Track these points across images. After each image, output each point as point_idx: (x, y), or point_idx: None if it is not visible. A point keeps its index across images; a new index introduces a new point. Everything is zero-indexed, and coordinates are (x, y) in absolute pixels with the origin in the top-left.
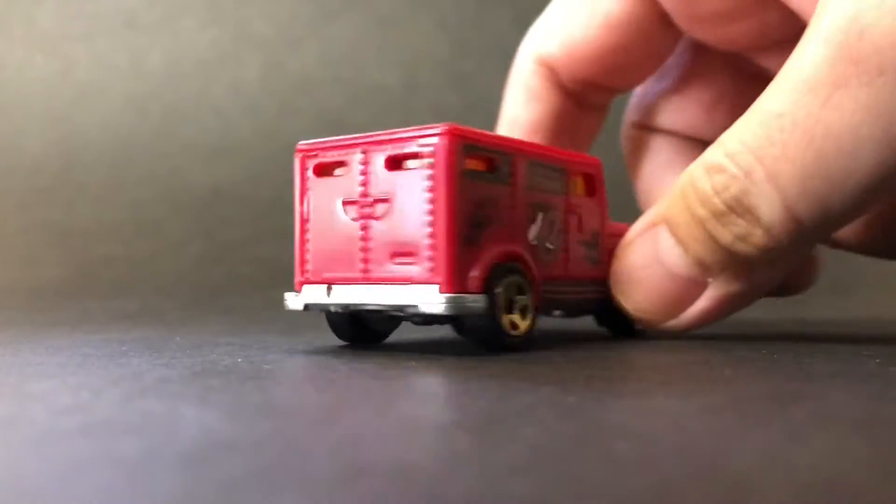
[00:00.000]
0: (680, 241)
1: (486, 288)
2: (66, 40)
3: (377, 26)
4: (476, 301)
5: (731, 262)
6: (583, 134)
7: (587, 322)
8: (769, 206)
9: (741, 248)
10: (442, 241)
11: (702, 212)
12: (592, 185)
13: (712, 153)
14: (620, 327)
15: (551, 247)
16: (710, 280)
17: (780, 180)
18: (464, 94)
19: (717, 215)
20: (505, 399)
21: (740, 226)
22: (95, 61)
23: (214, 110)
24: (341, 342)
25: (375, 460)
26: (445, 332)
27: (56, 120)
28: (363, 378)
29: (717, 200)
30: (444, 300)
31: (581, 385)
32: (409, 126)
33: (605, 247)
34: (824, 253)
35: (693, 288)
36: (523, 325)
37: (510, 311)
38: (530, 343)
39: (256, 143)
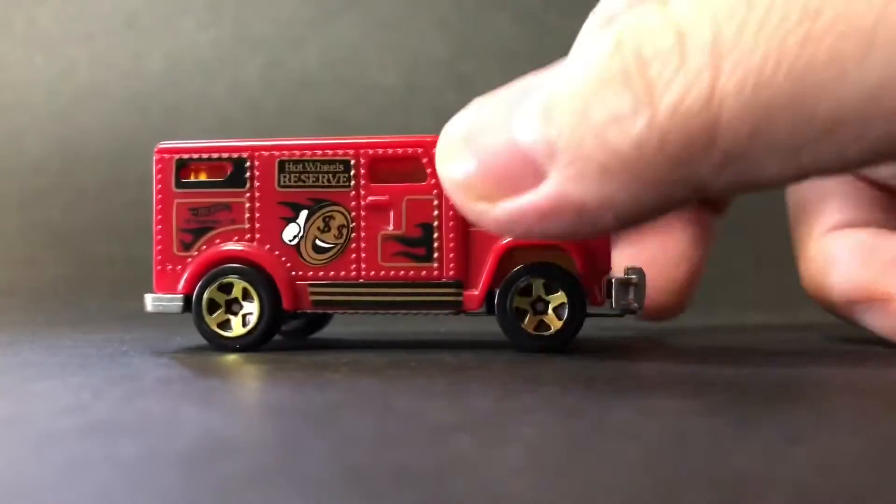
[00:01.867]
0: (544, 108)
1: (199, 290)
2: (67, 40)
3: (377, 27)
4: (172, 301)
5: (587, 152)
6: None
7: (587, 323)
8: (685, 80)
9: (611, 134)
10: (155, 250)
11: (587, 73)
12: (419, 169)
13: (645, 13)
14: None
15: (326, 245)
16: (547, 170)
17: (726, 54)
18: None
19: (606, 79)
20: (505, 399)
21: (624, 99)
22: (96, 61)
23: (214, 110)
24: (342, 341)
25: (375, 460)
26: (446, 332)
27: (56, 120)
28: (363, 378)
29: (615, 59)
30: (150, 300)
31: (581, 385)
32: (408, 129)
33: (449, 240)
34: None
35: (527, 172)
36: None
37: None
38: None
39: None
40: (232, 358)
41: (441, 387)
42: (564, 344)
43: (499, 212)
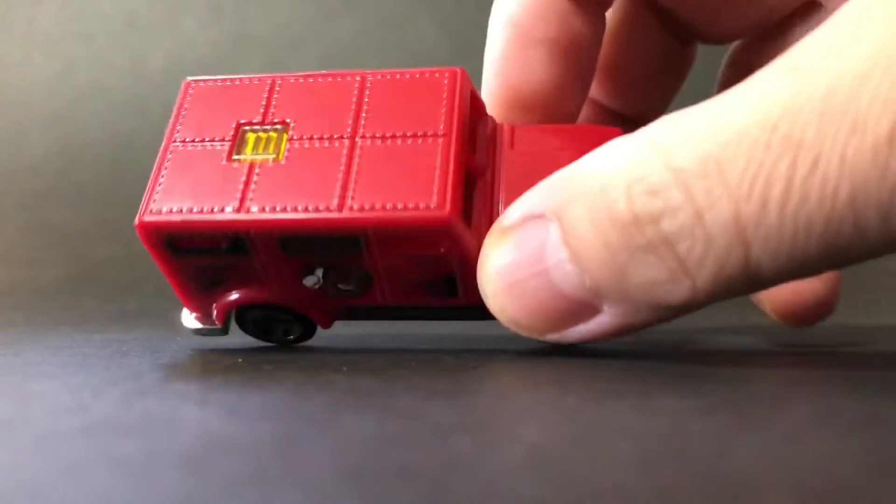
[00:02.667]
0: (576, 257)
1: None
2: (67, 40)
3: (377, 27)
4: (213, 330)
5: (638, 301)
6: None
7: None
8: (715, 263)
9: (656, 294)
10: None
11: (614, 236)
12: (432, 244)
13: (645, 156)
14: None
15: (348, 288)
16: (600, 307)
17: (752, 230)
18: None
19: (633, 249)
20: (505, 399)
21: (661, 272)
22: (96, 61)
23: None
24: (342, 342)
25: (376, 460)
26: (446, 332)
27: (56, 120)
28: (364, 378)
29: (635, 231)
30: (191, 325)
31: (581, 385)
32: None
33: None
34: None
35: (584, 310)
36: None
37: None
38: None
39: None
40: (232, 358)
41: (441, 386)
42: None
43: (569, 337)
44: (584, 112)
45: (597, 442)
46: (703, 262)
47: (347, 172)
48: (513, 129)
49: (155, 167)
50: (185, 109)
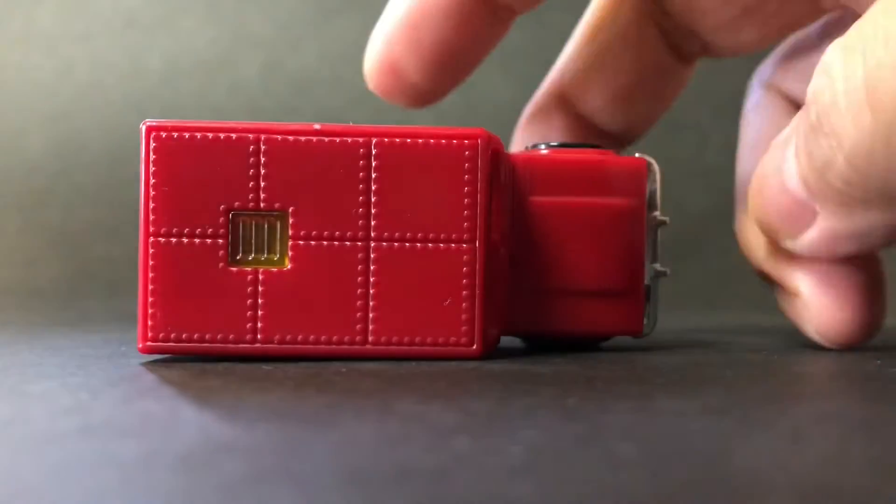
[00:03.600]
0: (797, 152)
1: None
2: (66, 40)
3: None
4: None
5: (827, 193)
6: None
7: None
8: (857, 128)
9: (830, 178)
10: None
11: (804, 122)
12: None
13: (841, 41)
14: None
15: None
16: (817, 209)
17: (876, 93)
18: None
19: (808, 132)
20: (505, 400)
21: (823, 148)
22: (95, 61)
23: (214, 110)
24: None
25: (375, 462)
26: None
27: (55, 120)
28: (363, 379)
29: (812, 109)
30: None
31: (582, 386)
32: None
33: None
34: None
35: (805, 211)
36: None
37: None
38: (529, 345)
39: None
40: (231, 359)
41: (441, 388)
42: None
43: (800, 246)
44: (562, 123)
45: (597, 443)
46: (846, 130)
47: (364, 293)
48: (531, 164)
49: (140, 267)
50: (155, 178)
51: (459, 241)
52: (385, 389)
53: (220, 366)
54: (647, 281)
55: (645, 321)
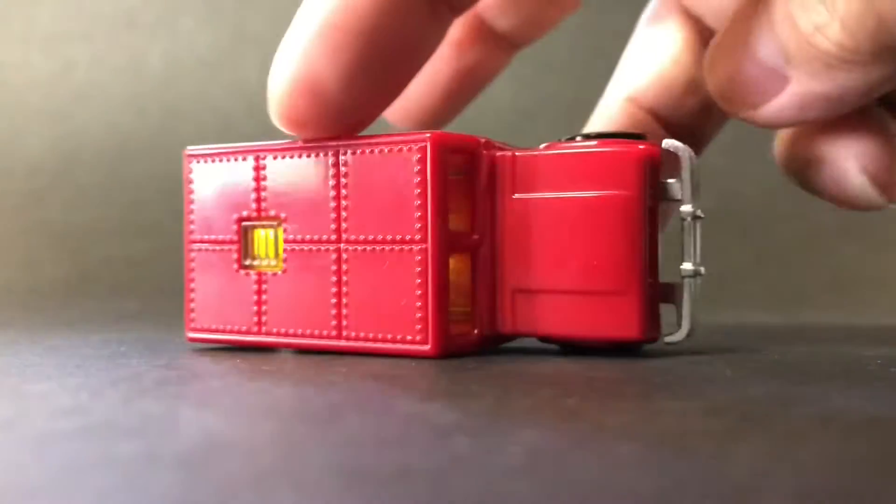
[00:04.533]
0: (769, 20)
1: None
2: (65, 40)
3: None
4: None
5: (811, 55)
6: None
7: None
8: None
9: (819, 40)
10: None
11: None
12: None
13: None
14: None
15: None
16: (790, 74)
17: None
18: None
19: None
20: (505, 401)
21: (820, 13)
22: (95, 61)
23: (214, 110)
24: None
25: (375, 462)
26: None
27: (55, 119)
28: (363, 379)
29: None
30: None
31: (581, 386)
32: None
33: None
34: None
35: (774, 79)
36: None
37: None
38: (530, 345)
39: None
40: (231, 360)
41: (441, 388)
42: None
43: (763, 116)
44: (625, 111)
45: (597, 443)
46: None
47: (339, 292)
48: (514, 161)
49: (185, 266)
50: (193, 195)
51: (413, 241)
52: (385, 390)
53: (221, 366)
54: (663, 280)
55: (645, 324)
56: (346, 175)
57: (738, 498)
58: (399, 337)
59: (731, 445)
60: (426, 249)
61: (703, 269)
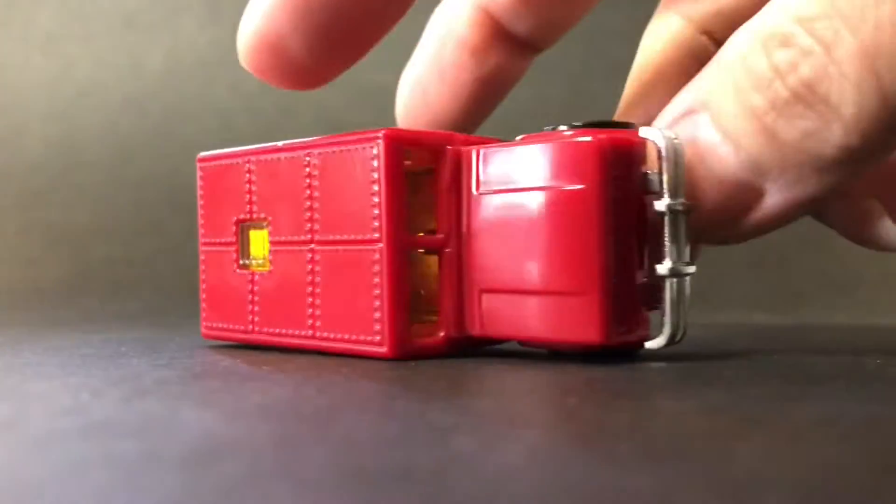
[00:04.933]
0: (728, 137)
1: None
2: (66, 40)
3: None
4: None
5: (797, 162)
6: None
7: None
8: (855, 94)
9: (811, 146)
10: None
11: (757, 100)
12: None
13: (774, 17)
14: None
15: None
16: (767, 185)
17: (878, 58)
18: None
19: (780, 105)
20: (505, 400)
21: (810, 119)
22: (95, 61)
23: (214, 110)
24: None
25: (375, 462)
26: None
27: (55, 119)
28: (363, 379)
29: (779, 85)
30: None
31: (581, 386)
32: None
33: None
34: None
35: (748, 194)
36: None
37: None
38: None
39: (256, 142)
40: (231, 360)
41: (441, 388)
42: None
43: (737, 234)
44: (471, 22)
45: (597, 443)
46: (844, 98)
47: (313, 292)
48: (477, 156)
49: (200, 264)
50: (201, 199)
51: (370, 241)
52: (385, 390)
53: (221, 366)
54: (642, 280)
55: (610, 328)
56: (314, 175)
57: (738, 498)
58: (360, 338)
59: (731, 446)
60: (382, 249)
61: (689, 269)
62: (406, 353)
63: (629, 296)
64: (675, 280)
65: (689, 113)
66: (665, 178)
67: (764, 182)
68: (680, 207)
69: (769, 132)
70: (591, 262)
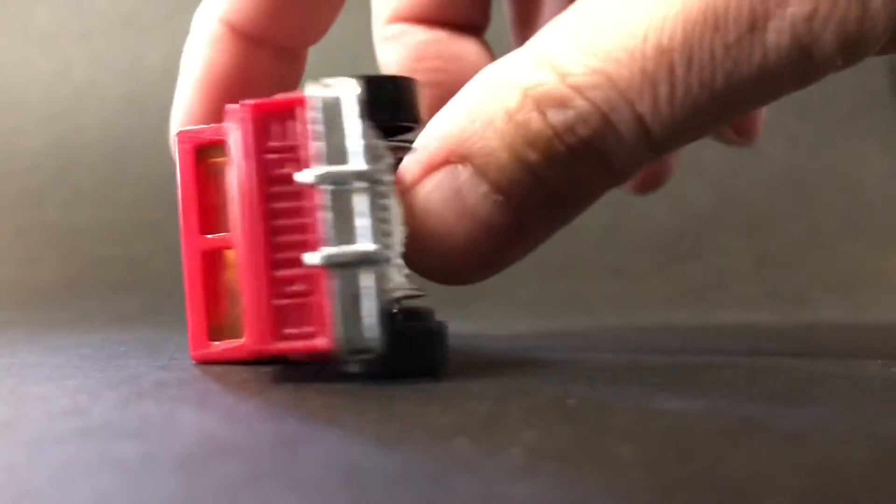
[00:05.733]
0: (498, 190)
1: None
2: (64, 39)
3: None
4: None
5: (561, 202)
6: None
7: None
8: (630, 151)
9: (577, 191)
10: None
11: (533, 156)
12: None
13: (539, 74)
14: None
15: None
16: (529, 226)
17: (655, 125)
18: None
19: (555, 159)
20: (505, 401)
21: (582, 170)
22: (94, 60)
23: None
24: None
25: (375, 462)
26: None
27: (54, 119)
28: (363, 380)
29: (557, 144)
30: None
31: (582, 387)
32: None
33: None
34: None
35: (508, 235)
36: None
37: None
38: (528, 346)
39: None
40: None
41: (441, 388)
42: None
43: (491, 269)
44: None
45: (597, 444)
46: (618, 151)
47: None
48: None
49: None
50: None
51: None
52: (384, 390)
53: (220, 367)
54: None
55: (264, 331)
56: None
57: (738, 498)
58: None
59: (732, 446)
60: (183, 253)
61: (369, 253)
62: (202, 358)
63: (293, 293)
64: (339, 271)
65: (445, 164)
66: (321, 143)
67: (528, 224)
68: (343, 180)
69: (543, 183)
70: (246, 251)
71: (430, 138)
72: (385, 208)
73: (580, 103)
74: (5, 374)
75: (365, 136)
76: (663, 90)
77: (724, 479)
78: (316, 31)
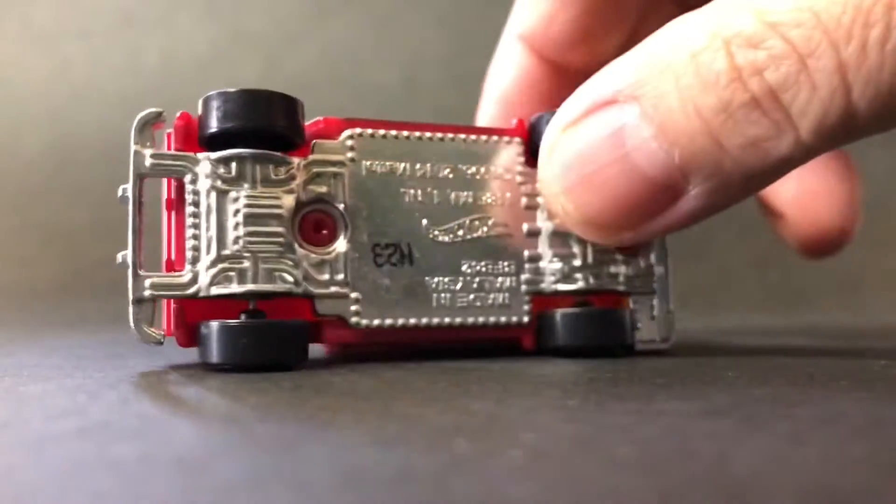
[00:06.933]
0: (662, 134)
1: None
2: (62, 38)
3: (376, 24)
4: None
5: (731, 170)
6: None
7: None
8: (819, 108)
9: (751, 155)
10: None
11: (707, 99)
12: None
13: (736, 16)
14: None
15: None
16: (691, 188)
17: (857, 80)
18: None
19: (734, 108)
20: (505, 402)
21: (762, 127)
22: (92, 59)
23: None
24: None
25: (374, 463)
26: None
27: (52, 118)
28: (362, 380)
29: (738, 87)
30: None
31: (582, 388)
32: None
33: None
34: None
35: (667, 194)
36: None
37: None
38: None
39: None
40: None
41: (440, 389)
42: None
43: (642, 234)
44: (532, 70)
45: (598, 444)
46: (807, 110)
47: None
48: None
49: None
50: None
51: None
52: (384, 391)
53: (218, 368)
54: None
55: (176, 335)
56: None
57: (738, 498)
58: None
59: (733, 446)
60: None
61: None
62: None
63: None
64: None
65: (611, 102)
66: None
67: (688, 185)
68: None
69: (712, 136)
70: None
71: (601, 78)
72: None
73: (775, 42)
74: (3, 374)
75: None
76: (876, 31)
77: (724, 478)
78: (603, 55)
